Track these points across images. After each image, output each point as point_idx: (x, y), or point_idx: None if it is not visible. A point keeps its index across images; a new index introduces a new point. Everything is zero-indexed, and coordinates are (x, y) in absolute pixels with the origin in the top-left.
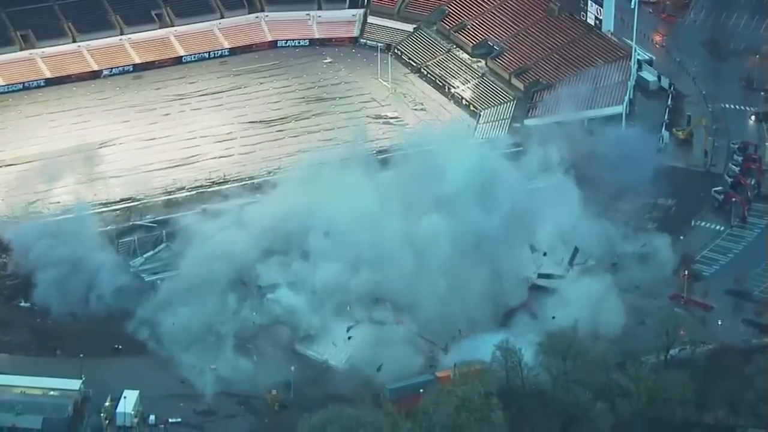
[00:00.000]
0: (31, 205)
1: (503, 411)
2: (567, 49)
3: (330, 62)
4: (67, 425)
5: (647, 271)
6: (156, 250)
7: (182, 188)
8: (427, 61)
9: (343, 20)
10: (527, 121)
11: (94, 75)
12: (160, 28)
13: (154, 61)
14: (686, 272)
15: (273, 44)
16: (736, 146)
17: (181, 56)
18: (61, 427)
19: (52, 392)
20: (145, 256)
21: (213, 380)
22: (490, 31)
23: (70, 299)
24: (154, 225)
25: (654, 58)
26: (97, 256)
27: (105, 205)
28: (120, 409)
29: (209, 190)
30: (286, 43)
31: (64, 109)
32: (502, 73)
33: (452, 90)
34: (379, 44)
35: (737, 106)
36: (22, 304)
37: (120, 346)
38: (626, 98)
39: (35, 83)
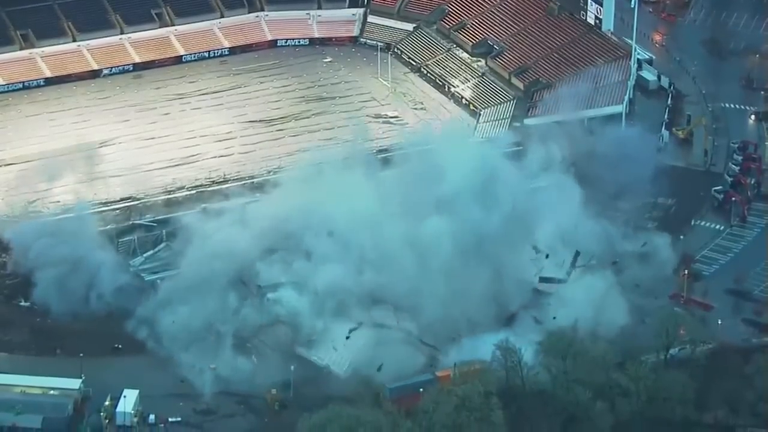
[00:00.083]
0: (31, 204)
1: (503, 410)
2: (567, 49)
3: (330, 61)
4: (67, 424)
5: (647, 270)
6: (156, 249)
7: (182, 187)
8: (427, 60)
9: (343, 19)
10: (527, 121)
11: (94, 74)
12: (160, 27)
13: (154, 61)
14: (686, 272)
15: (273, 44)
16: (736, 146)
17: (181, 56)
18: (61, 427)
19: (51, 391)
20: (145, 255)
21: (212, 380)
22: (489, 31)
23: (70, 298)
24: (154, 224)
25: (654, 57)
26: (96, 255)
27: (105, 204)
28: (120, 408)
29: (209, 189)
30: (286, 42)
31: (64, 108)
32: (502, 73)
33: (452, 89)
34: (379, 43)
35: (737, 106)
36: (22, 303)
37: (120, 346)
38: (626, 98)
39: (35, 83)
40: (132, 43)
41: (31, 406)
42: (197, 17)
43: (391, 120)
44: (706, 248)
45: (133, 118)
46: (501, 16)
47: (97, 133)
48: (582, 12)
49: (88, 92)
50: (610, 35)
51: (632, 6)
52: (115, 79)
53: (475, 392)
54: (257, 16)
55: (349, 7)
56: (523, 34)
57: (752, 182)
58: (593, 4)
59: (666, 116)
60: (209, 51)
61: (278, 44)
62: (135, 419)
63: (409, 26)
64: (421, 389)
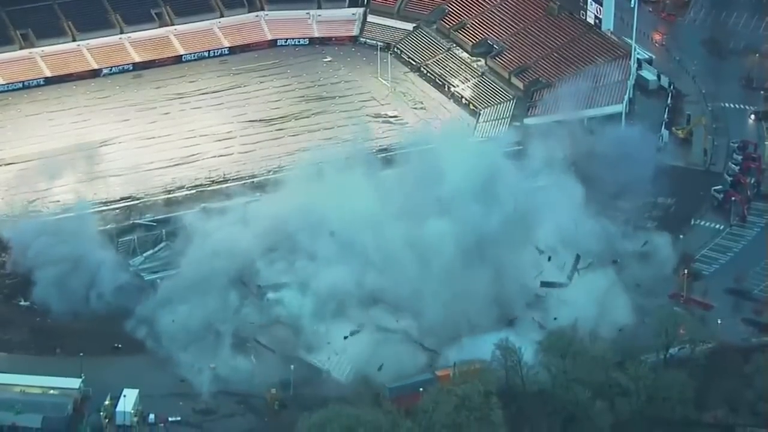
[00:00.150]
0: (31, 203)
1: (503, 410)
2: (567, 48)
3: (330, 61)
4: (66, 424)
5: (647, 269)
6: (156, 249)
7: (182, 187)
8: (427, 60)
9: (342, 19)
10: (527, 120)
11: (94, 74)
12: (159, 27)
13: (153, 60)
14: (686, 271)
15: (273, 43)
16: (736, 145)
17: (181, 55)
18: (60, 426)
19: (51, 391)
20: (144, 255)
21: (210, 379)
22: (489, 30)
23: (70, 298)
24: (154, 224)
25: (654, 57)
26: (96, 254)
27: (105, 203)
28: (120, 407)
29: (209, 189)
30: (285, 42)
31: (63, 108)
32: (502, 72)
33: (452, 89)
34: (379, 43)
35: (737, 105)
36: (22, 302)
37: (120, 345)
38: (626, 97)
39: (35, 82)
40: (132, 43)
41: (31, 405)
42: (197, 17)
43: (391, 120)
44: (705, 248)
45: (132, 118)
46: (501, 15)
47: (97, 132)
48: (582, 12)
49: (88, 92)
50: (609, 35)
51: (632, 5)
52: (114, 79)
53: (475, 392)
54: (257, 16)
55: (348, 7)
56: (523, 33)
57: (752, 182)
58: (593, 3)
59: (666, 116)
60: (209, 50)
61: (278, 44)
62: (135, 419)
63: (409, 26)
64: (421, 389)
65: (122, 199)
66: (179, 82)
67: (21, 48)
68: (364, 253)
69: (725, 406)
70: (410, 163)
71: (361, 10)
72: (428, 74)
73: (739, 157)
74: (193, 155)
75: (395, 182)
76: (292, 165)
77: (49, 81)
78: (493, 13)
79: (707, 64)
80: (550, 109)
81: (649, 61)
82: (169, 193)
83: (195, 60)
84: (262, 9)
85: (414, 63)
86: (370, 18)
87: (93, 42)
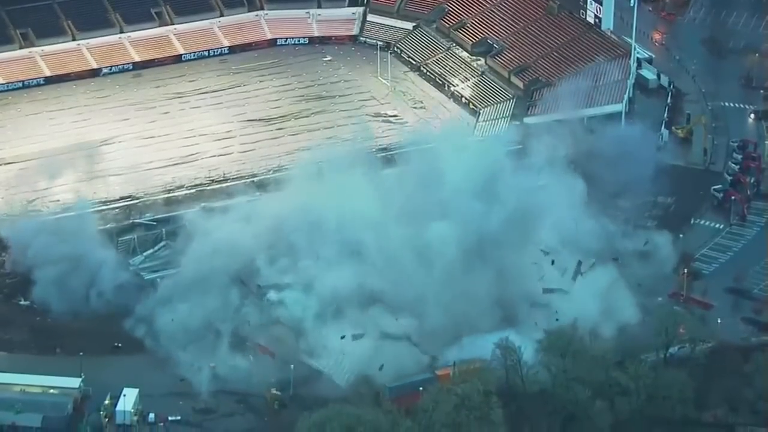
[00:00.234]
0: (31, 203)
1: (503, 409)
2: (566, 48)
3: (329, 60)
4: (66, 423)
5: (647, 268)
6: (155, 248)
7: (182, 186)
8: (427, 59)
9: (342, 18)
10: (527, 119)
11: (94, 73)
12: (159, 26)
13: (153, 60)
14: (686, 270)
15: (272, 42)
16: (736, 144)
17: (181, 54)
18: (60, 426)
19: (51, 390)
20: (144, 254)
21: (209, 378)
22: (489, 30)
23: (70, 297)
24: (154, 223)
25: (654, 56)
26: (96, 254)
27: (104, 203)
28: (119, 407)
29: (209, 188)
30: (285, 41)
31: (63, 107)
32: (502, 72)
33: (452, 88)
34: (379, 42)
35: (737, 105)
36: (22, 302)
37: (120, 345)
38: (626, 96)
39: (35, 81)
40: (131, 42)
41: (31, 404)
42: (197, 16)
43: (391, 119)
44: (705, 247)
45: (132, 117)
46: (501, 15)
47: (97, 132)
48: (582, 11)
49: (88, 91)
50: (609, 34)
51: (632, 5)
52: (114, 78)
53: (475, 391)
54: (257, 15)
55: (348, 6)
56: (523, 33)
57: (752, 181)
58: (593, 3)
59: (666, 115)
60: (209, 50)
61: (278, 43)
62: (135, 418)
63: (409, 25)
64: (421, 388)
65: (122, 198)
66: (179, 82)
67: (21, 47)
68: (365, 253)
69: (725, 405)
70: (410, 163)
71: (360, 9)
72: (428, 73)
73: (739, 157)
74: (193, 154)
75: (396, 182)
76: (293, 164)
77: (48, 80)
78: (493, 12)
79: (707, 63)
80: (550, 108)
81: (649, 61)
82: (169, 193)
83: (195, 59)
84: (262, 8)
85: (414, 62)
86: (370, 17)
87: (93, 41)
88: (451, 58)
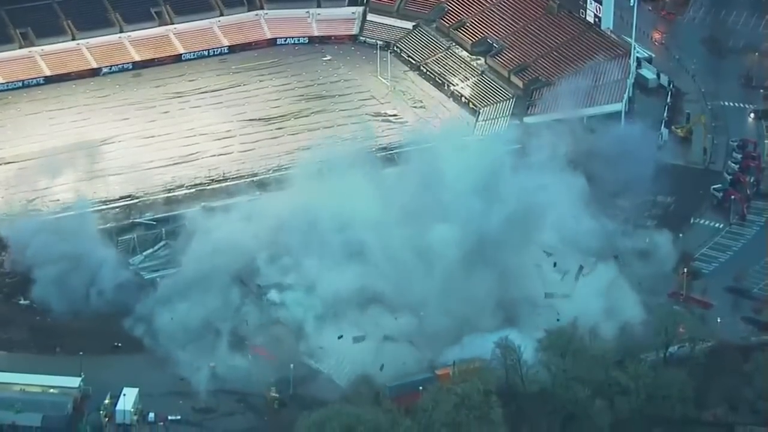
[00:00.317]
0: (30, 202)
1: (502, 409)
2: (566, 47)
3: (329, 60)
4: (66, 423)
5: (647, 267)
6: (155, 247)
7: (181, 186)
8: (427, 58)
9: (342, 18)
10: (526, 119)
11: (94, 73)
12: (159, 25)
13: (153, 59)
14: (685, 270)
15: (272, 42)
16: (736, 144)
17: (181, 54)
18: (60, 425)
19: (51, 390)
20: (144, 253)
21: (207, 377)
22: (489, 29)
23: (69, 297)
24: (154, 223)
25: (653, 55)
26: (96, 253)
27: (104, 202)
28: (119, 406)
29: (209, 187)
30: (285, 40)
31: (63, 107)
32: (502, 71)
33: (451, 88)
34: (379, 42)
35: (736, 104)
36: (22, 301)
37: (119, 344)
38: (625, 96)
39: (35, 81)
40: (131, 42)
41: (31, 404)
42: (196, 16)
43: (391, 118)
44: (705, 246)
45: (132, 117)
46: (500, 14)
47: (97, 131)
48: (581, 10)
49: (88, 91)
50: (609, 33)
51: (631, 4)
52: (114, 78)
53: (475, 390)
54: (257, 15)
55: (348, 6)
56: (523, 32)
57: (751, 180)
58: (593, 2)
59: (665, 114)
60: (209, 49)
61: (278, 43)
62: (134, 417)
63: (409, 24)
64: (421, 388)
65: (122, 197)
66: (179, 81)
67: (21, 47)
68: (365, 253)
69: (725, 404)
70: (411, 162)
71: (360, 8)
72: (428, 73)
73: (739, 156)
74: (193, 154)
75: (396, 181)
76: (293, 164)
77: (48, 80)
78: (493, 11)
79: (707, 62)
80: (550, 107)
81: (649, 60)
82: (169, 192)
83: (194, 59)
84: (262, 8)
85: (414, 62)
86: (370, 17)
87: (93, 41)
88: (451, 57)
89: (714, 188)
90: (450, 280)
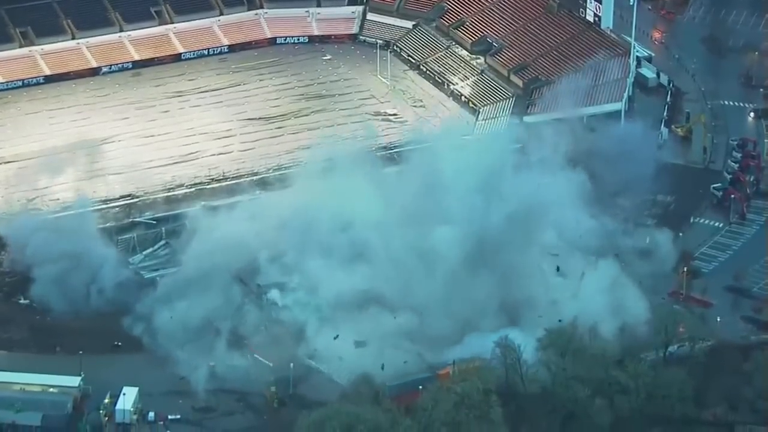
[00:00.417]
0: (30, 201)
1: (502, 408)
2: (566, 46)
3: (329, 59)
4: (66, 422)
5: (647, 267)
6: (155, 247)
7: (182, 185)
8: (427, 58)
9: (342, 17)
10: (526, 118)
11: (94, 72)
12: (159, 25)
13: (153, 58)
14: (685, 269)
15: (272, 41)
16: (735, 143)
17: (181, 53)
18: (60, 424)
19: (51, 389)
20: (144, 253)
21: (207, 377)
22: (489, 28)
23: (69, 296)
24: (154, 222)
25: (653, 55)
26: (96, 252)
27: (104, 201)
28: (119, 406)
29: (209, 187)
30: (285, 40)
31: (63, 106)
32: (501, 70)
33: (451, 87)
34: (379, 41)
35: (736, 103)
36: (21, 301)
37: (119, 343)
38: (625, 95)
39: (34, 80)
40: (131, 41)
41: (31, 403)
42: (196, 15)
43: (391, 118)
44: (705, 245)
45: (132, 116)
46: (500, 13)
47: (97, 130)
48: (581, 9)
49: (88, 90)
50: (609, 32)
51: (631, 3)
52: (114, 77)
53: (475, 390)
54: (256, 14)
55: (348, 5)
56: (523, 31)
57: (751, 179)
58: (592, 1)
59: (665, 113)
60: (208, 49)
61: (277, 42)
62: (134, 417)
63: (409, 24)
64: (421, 387)
65: (122, 197)
66: (179, 81)
67: (21, 46)
68: (366, 253)
69: (725, 403)
70: (411, 162)
71: (360, 8)
72: (428, 72)
73: (739, 155)
74: (193, 153)
75: (396, 181)
76: (293, 163)
77: (48, 79)
78: (493, 10)
79: (707, 61)
80: (550, 106)
81: (649, 59)
82: (169, 191)
83: (194, 58)
84: (262, 7)
85: (413, 61)
86: (370, 16)
87: (92, 40)
88: (451, 56)
89: (714, 187)
90: (452, 281)
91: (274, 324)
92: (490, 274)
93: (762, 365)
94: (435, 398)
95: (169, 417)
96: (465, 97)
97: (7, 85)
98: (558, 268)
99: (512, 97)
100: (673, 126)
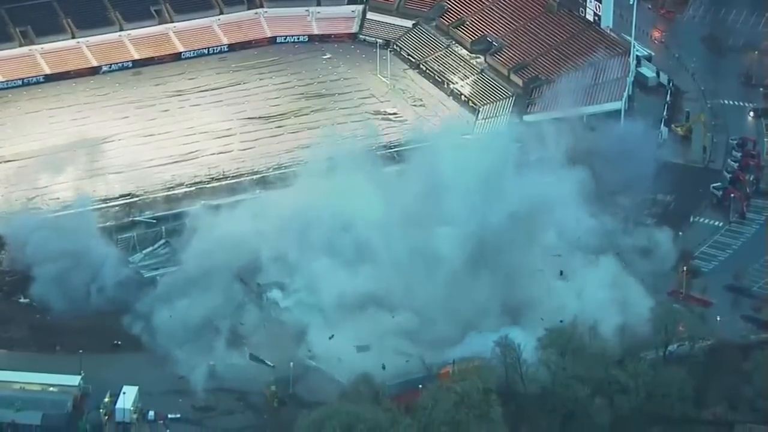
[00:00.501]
0: (30, 200)
1: (502, 407)
2: (566, 45)
3: (329, 58)
4: (66, 421)
5: (647, 266)
6: (155, 246)
7: (181, 184)
8: (426, 57)
9: (342, 16)
10: (526, 117)
11: (93, 71)
12: (159, 24)
13: (153, 57)
14: (685, 268)
15: (272, 40)
16: (735, 142)
17: (180, 52)
18: (60, 423)
19: (51, 388)
20: (144, 252)
21: (206, 376)
22: (489, 27)
23: (69, 295)
24: (154, 221)
25: (653, 54)
26: (96, 251)
27: (104, 200)
28: (119, 405)
29: (209, 186)
30: (285, 39)
31: (63, 105)
32: (501, 69)
33: (451, 86)
34: (378, 40)
35: (736, 102)
36: (21, 300)
37: (119, 342)
38: (625, 94)
39: (34, 79)
40: (131, 40)
41: (31, 402)
42: (196, 14)
43: (390, 117)
44: (705, 245)
45: (132, 115)
46: (500, 12)
47: (97, 130)
48: (581, 8)
49: (88, 89)
50: (609, 32)
51: (631, 2)
52: (114, 76)
53: (474, 389)
54: (256, 13)
55: (348, 4)
56: (522, 30)
57: (751, 179)
58: (592, 0)
59: (665, 113)
60: (208, 48)
61: (277, 41)
62: (134, 416)
63: (409, 23)
64: (421, 386)
65: (122, 196)
66: (179, 80)
67: (21, 45)
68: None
69: (724, 403)
70: (411, 161)
71: (360, 7)
72: (427, 71)
73: (738, 154)
74: (193, 152)
75: (397, 180)
76: (293, 162)
77: (48, 78)
78: (493, 10)
79: (706, 61)
80: (550, 106)
81: (649, 58)
82: (169, 190)
83: (194, 57)
84: (262, 6)
85: (413, 60)
86: (370, 15)
87: (92, 39)
88: (451, 55)
89: (714, 186)
90: (453, 281)
91: (274, 323)
92: (491, 275)
93: (762, 364)
94: (435, 397)
95: (169, 416)
96: (465, 96)
97: (7, 84)
98: (561, 273)
99: (512, 97)
100: (672, 125)
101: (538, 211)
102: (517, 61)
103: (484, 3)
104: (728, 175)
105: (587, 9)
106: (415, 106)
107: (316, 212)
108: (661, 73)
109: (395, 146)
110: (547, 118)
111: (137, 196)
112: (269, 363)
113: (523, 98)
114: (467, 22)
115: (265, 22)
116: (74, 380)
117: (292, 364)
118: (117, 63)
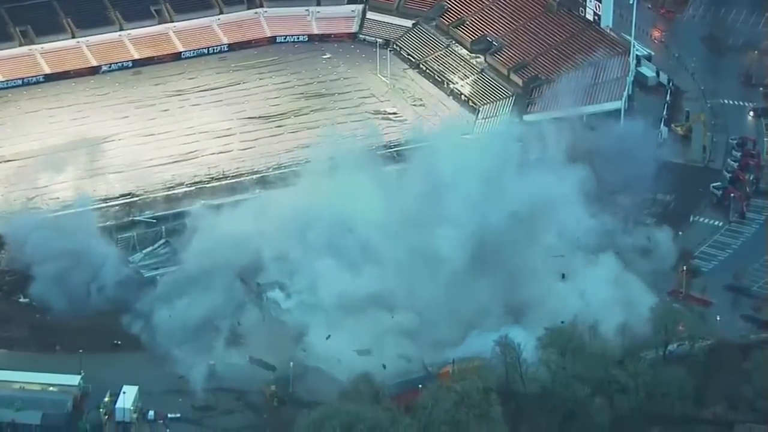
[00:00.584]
0: (30, 200)
1: (502, 407)
2: (566, 45)
3: (329, 58)
4: (66, 421)
5: (647, 265)
6: (155, 245)
7: (181, 184)
8: (426, 56)
9: (342, 16)
10: (526, 117)
11: (93, 71)
12: (158, 23)
13: (153, 57)
14: (685, 268)
15: (272, 40)
16: (735, 142)
17: (180, 52)
18: (60, 423)
19: (51, 388)
20: (144, 251)
21: (205, 376)
22: (489, 27)
23: (68, 295)
24: (154, 221)
25: (653, 53)
26: (95, 251)
27: (104, 200)
28: (119, 404)
29: (209, 185)
30: (285, 38)
31: (63, 104)
32: (501, 69)
33: (451, 86)
34: (378, 40)
35: (736, 102)
36: (21, 299)
37: (119, 342)
38: (625, 94)
39: (34, 79)
40: (131, 40)
41: (31, 402)
42: (196, 14)
43: (390, 116)
44: (704, 244)
45: (132, 115)
46: (500, 12)
47: (96, 129)
48: (581, 8)
49: (87, 89)
50: (609, 31)
51: (631, 2)
52: (114, 76)
53: (474, 388)
54: (256, 13)
55: (348, 4)
56: (522, 30)
57: (751, 178)
58: (592, 0)
59: (665, 112)
60: (208, 47)
61: (277, 41)
62: (134, 415)
63: (408, 23)
64: (421, 386)
65: (122, 195)
66: (178, 79)
67: (20, 45)
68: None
69: (724, 402)
70: (411, 161)
71: (360, 6)
72: (427, 71)
73: (738, 154)
74: (193, 152)
75: (397, 180)
76: (293, 162)
77: (48, 78)
78: (492, 9)
79: (706, 60)
80: (550, 105)
81: (648, 58)
82: (169, 190)
83: (194, 57)
84: (261, 6)
85: (413, 60)
86: (370, 15)
87: (92, 39)
88: (451, 55)
89: (713, 186)
90: (454, 282)
91: (274, 323)
92: (492, 275)
93: (761, 364)
94: (435, 397)
95: (169, 415)
96: (465, 95)
97: (7, 83)
98: (563, 276)
99: (512, 96)
100: (672, 125)
101: (539, 210)
102: (517, 60)
103: (484, 3)
104: (728, 175)
105: (587, 8)
106: (415, 105)
107: (316, 212)
108: (661, 73)
109: (395, 146)
110: (547, 118)
111: (137, 196)
112: (270, 365)
113: (523, 98)
114: (467, 22)
115: (264, 22)
116: (74, 380)
117: (292, 363)
118: (117, 63)
